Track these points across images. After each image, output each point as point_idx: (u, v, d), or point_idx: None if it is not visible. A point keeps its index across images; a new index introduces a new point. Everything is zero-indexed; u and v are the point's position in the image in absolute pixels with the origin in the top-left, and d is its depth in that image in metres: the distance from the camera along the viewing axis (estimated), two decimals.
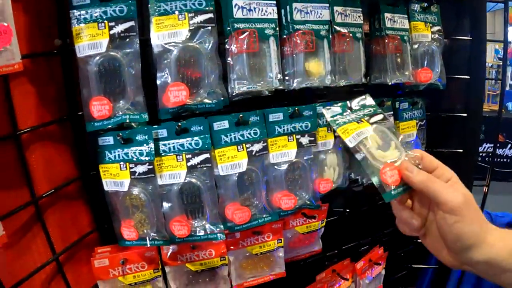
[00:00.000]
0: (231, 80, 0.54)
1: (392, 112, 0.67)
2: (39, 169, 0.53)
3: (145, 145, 0.51)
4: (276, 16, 0.55)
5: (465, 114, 0.76)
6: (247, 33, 0.53)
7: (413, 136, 0.69)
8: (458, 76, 0.74)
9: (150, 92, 0.53)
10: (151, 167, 0.51)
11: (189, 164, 0.52)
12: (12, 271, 0.50)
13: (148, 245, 0.55)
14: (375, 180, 0.47)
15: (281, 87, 0.55)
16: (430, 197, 0.44)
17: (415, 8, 0.67)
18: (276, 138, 0.56)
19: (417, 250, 0.86)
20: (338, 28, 0.60)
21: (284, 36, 0.57)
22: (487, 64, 1.17)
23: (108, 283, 0.57)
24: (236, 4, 0.53)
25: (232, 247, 0.59)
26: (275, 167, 0.57)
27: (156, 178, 0.52)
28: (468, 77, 0.75)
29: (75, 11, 0.48)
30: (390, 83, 0.63)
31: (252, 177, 0.55)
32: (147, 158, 0.51)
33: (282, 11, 0.57)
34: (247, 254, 0.60)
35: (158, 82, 0.51)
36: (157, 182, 0.52)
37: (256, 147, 0.55)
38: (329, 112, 0.57)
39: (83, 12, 0.48)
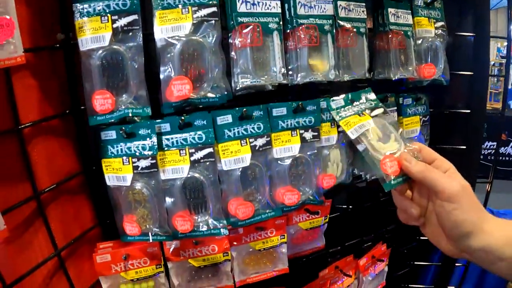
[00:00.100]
0: (234, 75, 0.53)
1: (395, 108, 0.67)
2: (41, 164, 0.53)
3: (148, 139, 0.50)
4: (279, 10, 0.55)
5: (468, 111, 0.76)
6: (251, 27, 0.53)
7: (416, 132, 0.68)
8: (462, 73, 0.74)
9: (152, 86, 0.53)
10: (154, 161, 0.51)
11: (192, 158, 0.52)
12: (13, 266, 0.50)
13: (151, 241, 0.55)
14: (375, 170, 0.49)
15: (284, 82, 0.55)
16: (429, 186, 0.45)
17: (419, 4, 0.67)
18: (280, 133, 0.56)
19: (420, 247, 0.86)
20: (341, 23, 0.59)
21: (288, 31, 0.57)
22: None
23: (110, 279, 0.57)
24: None
25: (235, 243, 0.59)
26: (279, 162, 0.56)
27: (159, 172, 0.51)
28: (472, 73, 0.74)
29: (78, 4, 0.48)
30: (393, 79, 0.63)
31: (256, 172, 0.55)
32: (150, 153, 0.50)
33: (286, 5, 0.56)
34: (250, 250, 0.60)
35: (161, 76, 0.51)
36: (160, 176, 0.52)
37: (260, 141, 0.54)
38: (333, 104, 0.58)
39: (86, 5, 0.48)
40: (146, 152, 0.50)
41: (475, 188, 0.73)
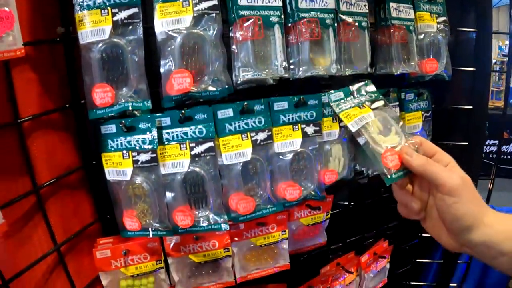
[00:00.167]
0: (235, 68, 0.53)
1: (397, 103, 0.66)
2: (40, 158, 0.52)
3: (148, 133, 0.50)
4: (281, 3, 0.55)
5: (470, 107, 0.76)
6: (251, 20, 0.52)
7: (418, 127, 0.68)
8: (464, 68, 0.74)
9: (152, 81, 0.52)
10: (154, 155, 0.50)
11: (192, 152, 0.51)
12: (12, 261, 0.50)
13: (151, 236, 0.54)
14: (376, 164, 0.48)
15: (286, 75, 0.55)
16: (429, 180, 0.45)
17: None
18: (281, 127, 0.56)
19: (422, 244, 0.85)
20: (343, 17, 0.59)
21: (289, 25, 0.56)
22: None
23: (110, 275, 0.56)
24: None
25: (236, 239, 0.58)
26: (280, 156, 0.56)
27: (159, 167, 0.51)
28: (474, 69, 0.74)
29: None
30: (395, 73, 0.63)
31: (257, 167, 0.54)
32: (150, 146, 0.50)
33: None
34: (251, 245, 0.59)
35: (161, 69, 0.51)
36: (160, 171, 0.51)
37: (261, 136, 0.54)
38: (332, 96, 0.58)
39: None
40: (146, 146, 0.50)
41: (477, 186, 0.72)
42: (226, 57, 0.52)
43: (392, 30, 0.63)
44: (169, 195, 0.53)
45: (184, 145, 0.51)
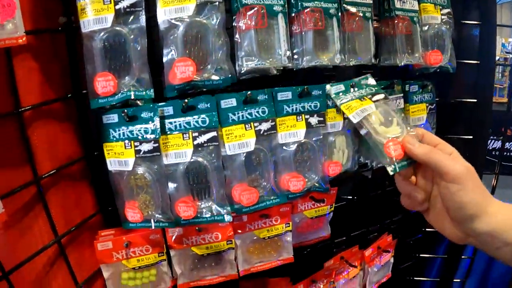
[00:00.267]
0: (239, 58, 0.52)
1: (402, 95, 0.66)
2: (41, 148, 0.52)
3: (150, 122, 0.49)
4: None
5: (474, 100, 0.75)
6: (255, 9, 0.52)
7: (423, 119, 0.67)
8: (468, 61, 0.73)
9: (154, 71, 0.52)
10: (156, 145, 0.50)
11: (195, 142, 0.50)
12: (12, 252, 0.49)
13: (153, 227, 0.54)
14: (379, 154, 0.48)
15: (289, 65, 0.54)
16: (433, 168, 0.44)
17: None
18: (285, 117, 0.55)
19: (425, 239, 0.85)
20: (347, 7, 0.58)
21: (293, 14, 0.56)
22: None
23: (111, 267, 0.56)
24: None
25: (239, 231, 0.58)
26: (284, 147, 0.55)
27: (162, 157, 0.50)
28: (478, 62, 0.73)
29: None
30: (400, 65, 0.62)
31: (260, 157, 0.54)
32: (152, 136, 0.49)
33: None
34: (255, 238, 0.59)
35: (164, 59, 0.50)
36: (162, 161, 0.51)
37: (264, 126, 0.53)
38: (333, 89, 0.58)
39: None
40: (148, 136, 0.49)
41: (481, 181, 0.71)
42: (229, 47, 0.52)
43: (396, 21, 0.62)
44: (171, 185, 0.52)
45: (187, 134, 0.51)
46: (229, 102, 0.52)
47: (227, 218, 0.52)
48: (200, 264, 0.57)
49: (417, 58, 0.64)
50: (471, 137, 0.75)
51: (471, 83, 0.77)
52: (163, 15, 0.49)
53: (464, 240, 0.46)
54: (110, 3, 0.48)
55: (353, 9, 0.59)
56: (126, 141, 0.50)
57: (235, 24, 0.53)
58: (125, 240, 0.55)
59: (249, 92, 0.52)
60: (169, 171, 0.52)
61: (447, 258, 0.85)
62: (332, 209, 0.65)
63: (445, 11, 0.68)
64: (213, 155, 0.51)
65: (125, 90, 0.49)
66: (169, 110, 0.51)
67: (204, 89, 0.51)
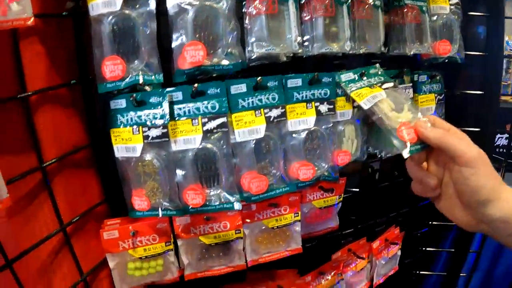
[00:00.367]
0: (249, 43, 0.52)
1: (411, 85, 0.65)
2: (47, 134, 0.51)
3: (159, 107, 0.49)
4: None
5: (481, 92, 0.75)
6: None
7: (432, 110, 0.67)
8: (476, 53, 0.73)
9: (163, 57, 0.51)
10: (165, 130, 0.49)
11: (205, 128, 0.50)
12: (16, 241, 0.48)
13: (160, 216, 0.53)
14: (392, 139, 0.47)
15: (300, 51, 0.53)
16: (446, 151, 0.44)
17: None
18: (295, 104, 0.54)
19: (431, 234, 0.84)
20: None
21: (303, 1, 0.55)
22: None
23: (117, 256, 0.54)
24: None
25: (247, 220, 0.57)
26: (293, 135, 0.55)
27: (170, 143, 0.50)
28: (486, 53, 0.73)
29: None
30: (409, 54, 0.62)
31: (270, 145, 0.53)
32: (161, 122, 0.49)
33: None
34: (263, 227, 0.58)
35: (173, 43, 0.49)
36: (171, 147, 0.50)
37: (274, 112, 0.53)
38: (343, 77, 0.57)
39: None
40: (157, 121, 0.49)
41: None
42: (240, 31, 0.51)
43: (405, 10, 0.62)
44: (180, 172, 0.51)
45: (196, 120, 0.50)
46: (239, 87, 0.51)
47: (237, 206, 0.51)
48: (207, 254, 0.56)
49: (426, 48, 0.63)
50: (478, 129, 0.75)
51: (478, 75, 0.76)
52: None
53: (476, 227, 0.45)
54: None
55: None
56: (134, 127, 0.49)
57: (245, 10, 0.52)
58: (131, 228, 0.54)
59: (259, 78, 0.51)
60: (177, 158, 0.51)
61: (454, 252, 0.85)
62: (341, 199, 0.64)
63: (454, 1, 0.67)
64: (222, 141, 0.51)
65: (134, 74, 0.48)
66: (178, 95, 0.50)
67: (214, 75, 0.50)
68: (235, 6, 0.51)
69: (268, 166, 0.53)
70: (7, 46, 0.45)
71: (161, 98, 0.49)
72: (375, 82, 0.57)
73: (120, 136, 0.50)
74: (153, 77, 0.49)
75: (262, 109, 0.52)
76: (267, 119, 0.52)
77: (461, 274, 0.86)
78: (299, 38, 0.53)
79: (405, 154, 0.45)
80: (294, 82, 0.54)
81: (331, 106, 0.56)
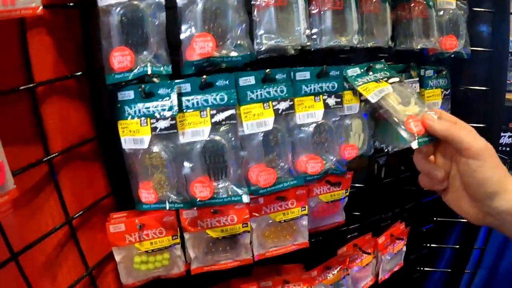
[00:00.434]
0: (257, 36, 0.52)
1: (417, 79, 0.65)
2: (54, 126, 0.50)
3: (167, 99, 0.48)
4: None
5: (487, 88, 0.75)
6: None
7: (438, 105, 0.67)
8: (481, 49, 0.73)
9: (171, 49, 0.51)
10: (173, 122, 0.48)
11: (213, 120, 0.49)
12: (22, 233, 0.47)
13: (167, 208, 0.52)
14: (400, 130, 0.48)
15: (308, 44, 0.53)
16: (453, 143, 0.44)
17: None
18: (303, 97, 0.54)
19: (436, 230, 0.84)
20: None
21: None
22: None
23: (123, 250, 0.54)
24: None
25: (255, 214, 0.56)
26: (301, 128, 0.55)
27: (178, 135, 0.49)
28: (492, 49, 0.73)
29: None
30: (416, 48, 0.62)
31: (278, 137, 0.53)
32: (169, 113, 0.48)
33: None
34: (270, 221, 0.57)
35: (182, 35, 0.49)
36: (179, 139, 0.49)
37: (283, 105, 0.52)
38: (349, 72, 0.58)
39: None
40: (165, 113, 0.48)
41: None
42: (249, 23, 0.51)
43: (412, 5, 0.62)
44: (187, 165, 0.51)
45: (205, 112, 0.49)
46: (247, 80, 0.51)
47: (245, 198, 0.50)
48: (214, 248, 0.56)
49: (433, 43, 0.63)
50: (483, 125, 0.75)
51: (483, 72, 0.76)
52: None
53: (482, 220, 0.45)
54: None
55: None
56: (142, 118, 0.49)
57: (254, 2, 0.52)
58: (138, 222, 0.53)
59: (268, 70, 0.51)
60: (185, 150, 0.50)
61: (458, 248, 0.85)
62: (347, 194, 0.64)
63: None
64: (231, 133, 0.50)
65: (142, 65, 0.48)
66: (187, 87, 0.49)
67: (223, 66, 0.50)
68: None
69: (276, 159, 0.53)
70: (14, 37, 0.45)
71: (169, 89, 0.48)
72: (381, 77, 0.58)
73: (127, 127, 0.50)
74: (161, 68, 0.48)
75: (270, 102, 0.52)
76: (276, 111, 0.52)
77: (465, 271, 0.86)
78: (307, 31, 0.53)
79: (414, 145, 0.45)
80: (303, 75, 0.54)
81: (339, 100, 0.56)
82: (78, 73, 0.52)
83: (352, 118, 0.59)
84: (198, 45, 0.47)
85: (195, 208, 0.53)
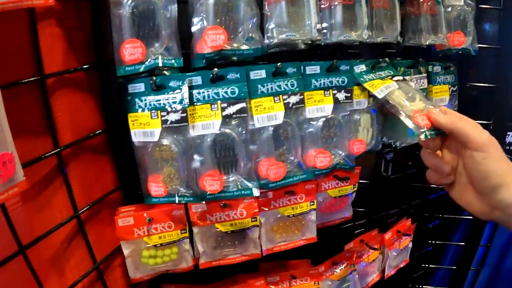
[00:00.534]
0: (268, 30, 0.51)
1: (425, 75, 0.65)
2: (63, 119, 0.50)
3: (178, 91, 0.48)
4: None
5: (493, 85, 0.75)
6: None
7: (445, 101, 0.67)
8: (488, 46, 0.73)
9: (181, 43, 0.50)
10: (184, 115, 0.48)
11: (224, 113, 0.49)
12: (30, 226, 0.47)
13: (177, 202, 0.52)
14: (408, 124, 0.48)
15: (319, 38, 0.53)
16: (459, 136, 0.44)
17: None
18: (313, 92, 0.54)
19: (441, 227, 0.84)
20: None
21: None
22: None
23: (132, 244, 0.54)
24: None
25: (264, 208, 0.56)
26: (311, 122, 0.54)
27: (188, 128, 0.49)
28: (499, 46, 0.73)
29: None
30: (425, 44, 0.62)
31: (288, 131, 0.53)
32: (180, 106, 0.48)
33: None
34: (279, 216, 0.57)
35: (193, 28, 0.49)
36: (189, 132, 0.49)
37: (293, 99, 0.52)
38: (355, 68, 0.58)
39: None
40: (176, 106, 0.48)
41: None
42: (260, 17, 0.51)
43: (421, 1, 0.62)
44: (197, 158, 0.50)
45: (216, 105, 0.49)
46: (258, 73, 0.51)
47: (256, 192, 0.50)
48: (223, 242, 0.56)
49: (441, 39, 0.63)
50: (490, 122, 0.75)
51: (490, 69, 0.76)
52: None
53: (489, 215, 0.45)
54: None
55: None
56: (153, 111, 0.49)
57: None
58: (147, 215, 0.53)
59: (279, 64, 0.51)
60: (195, 143, 0.50)
61: (463, 246, 0.85)
62: (355, 189, 0.64)
63: None
64: (241, 127, 0.50)
65: (153, 58, 0.48)
66: (198, 80, 0.49)
67: (234, 59, 0.50)
68: None
69: (286, 153, 0.53)
70: (25, 28, 0.45)
71: (180, 82, 0.48)
72: (385, 75, 0.59)
73: (137, 120, 0.50)
74: (173, 61, 0.48)
75: (280, 96, 0.52)
76: (286, 105, 0.52)
77: (470, 268, 0.86)
78: (318, 25, 0.53)
79: (422, 137, 0.46)
80: (313, 69, 0.54)
81: (349, 94, 0.56)
82: (88, 66, 0.52)
83: (361, 113, 0.59)
84: (210, 38, 0.47)
85: (204, 202, 0.53)
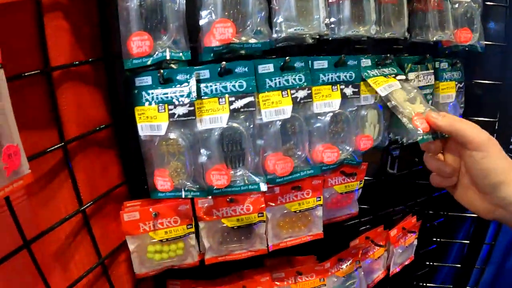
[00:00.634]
0: (277, 24, 0.51)
1: (432, 71, 0.65)
2: (69, 112, 0.49)
3: (186, 85, 0.48)
4: None
5: (499, 82, 0.75)
6: None
7: (452, 97, 0.67)
8: (494, 43, 0.73)
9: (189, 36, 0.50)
10: (191, 108, 0.48)
11: (232, 107, 0.49)
12: (35, 220, 0.46)
13: (183, 196, 0.52)
14: (407, 125, 0.49)
15: (327, 32, 0.53)
16: (457, 137, 0.45)
17: None
18: (320, 86, 0.54)
19: (446, 225, 0.84)
20: None
21: None
22: None
23: (137, 239, 0.53)
24: None
25: (270, 204, 0.56)
26: (318, 117, 0.54)
27: (196, 121, 0.49)
28: (504, 43, 0.73)
29: None
30: (432, 40, 0.62)
31: (295, 126, 0.52)
32: (187, 100, 0.48)
33: None
34: (285, 211, 0.57)
35: (201, 21, 0.49)
36: (196, 126, 0.49)
37: (301, 93, 0.52)
38: (361, 62, 0.58)
39: None
40: (183, 99, 0.48)
41: None
42: (268, 11, 0.50)
43: None
44: (204, 153, 0.50)
45: (223, 99, 0.49)
46: (266, 67, 0.50)
47: (263, 187, 0.50)
48: (229, 238, 0.55)
49: (448, 35, 0.63)
50: (495, 119, 0.75)
51: (496, 66, 0.76)
52: None
53: (493, 214, 0.45)
54: None
55: None
56: (160, 105, 0.48)
57: None
58: (152, 210, 0.53)
59: (287, 58, 0.50)
60: (202, 137, 0.50)
61: (468, 244, 0.85)
62: (362, 185, 0.63)
63: None
64: (249, 121, 0.50)
65: (161, 51, 0.47)
66: (205, 73, 0.49)
67: (242, 53, 0.49)
68: None
69: (293, 148, 0.53)
70: (31, 21, 0.44)
71: (188, 75, 0.48)
72: (389, 73, 0.59)
73: (144, 114, 0.49)
74: (180, 54, 0.48)
75: (288, 90, 0.51)
76: (294, 100, 0.51)
77: (475, 266, 0.86)
78: (327, 20, 0.52)
79: (420, 141, 0.47)
80: (321, 64, 0.54)
81: (356, 90, 0.56)
82: (95, 59, 0.52)
83: (368, 109, 0.59)
84: (218, 31, 0.47)
85: (210, 197, 0.53)
